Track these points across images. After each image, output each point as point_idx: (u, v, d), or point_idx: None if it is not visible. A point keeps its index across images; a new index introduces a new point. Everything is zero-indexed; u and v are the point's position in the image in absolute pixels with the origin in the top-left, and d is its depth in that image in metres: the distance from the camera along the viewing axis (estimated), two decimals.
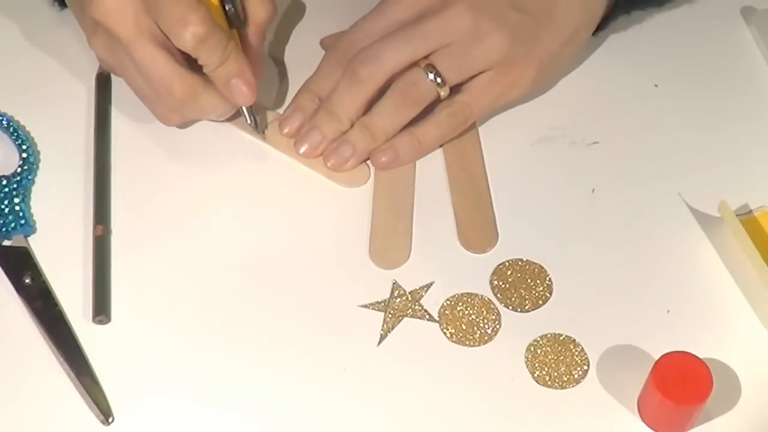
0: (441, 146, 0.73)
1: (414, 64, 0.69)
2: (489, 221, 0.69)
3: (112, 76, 0.74)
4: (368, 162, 0.72)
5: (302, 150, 0.71)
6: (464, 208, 0.70)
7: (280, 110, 0.74)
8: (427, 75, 0.68)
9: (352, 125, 0.70)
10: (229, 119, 0.72)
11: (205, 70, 0.67)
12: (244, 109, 0.70)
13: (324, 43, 0.75)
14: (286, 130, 0.72)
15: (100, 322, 0.64)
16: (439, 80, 0.68)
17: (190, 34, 0.64)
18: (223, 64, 0.66)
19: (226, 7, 0.67)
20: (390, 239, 0.69)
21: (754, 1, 0.82)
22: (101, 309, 0.64)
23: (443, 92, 0.69)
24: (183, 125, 0.72)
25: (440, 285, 0.67)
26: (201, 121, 0.73)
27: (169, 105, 0.68)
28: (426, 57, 0.69)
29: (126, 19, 0.65)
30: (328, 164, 0.71)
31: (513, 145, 0.73)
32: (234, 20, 0.68)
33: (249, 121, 0.71)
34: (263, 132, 0.72)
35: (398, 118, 0.70)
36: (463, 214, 0.70)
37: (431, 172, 0.72)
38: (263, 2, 0.69)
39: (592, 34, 0.75)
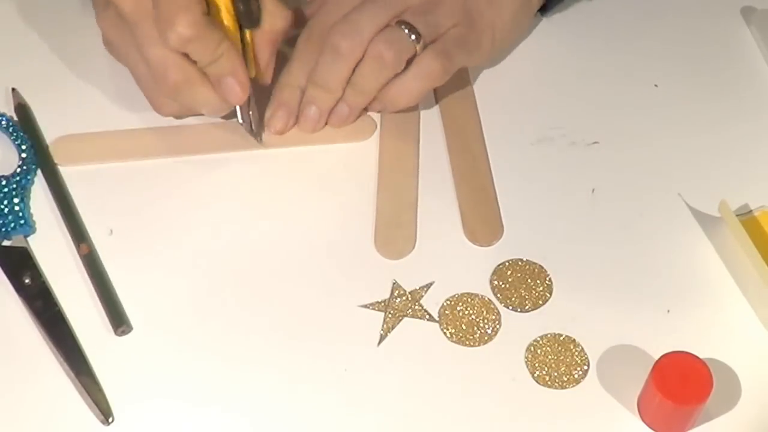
0: (445, 142, 0.73)
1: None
2: (494, 214, 0.70)
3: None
4: (373, 116, 0.73)
5: (304, 127, 0.72)
6: (469, 201, 0.70)
7: None
8: (403, 31, 0.69)
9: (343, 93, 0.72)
10: (226, 117, 0.72)
11: (198, 65, 0.67)
12: (237, 109, 0.70)
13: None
14: (273, 130, 0.72)
15: (123, 333, 0.64)
16: (413, 37, 0.69)
17: (175, 35, 0.64)
18: (215, 63, 0.66)
19: (237, 7, 0.67)
20: (395, 229, 0.69)
21: (754, 1, 0.82)
22: (120, 320, 0.64)
23: (419, 48, 0.70)
24: (178, 116, 0.72)
25: (440, 285, 0.67)
26: (200, 122, 0.73)
27: (165, 91, 0.68)
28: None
29: None
30: (329, 122, 0.72)
31: (513, 145, 0.74)
32: (244, 20, 0.68)
33: (241, 121, 0.71)
34: (259, 135, 0.72)
35: (382, 77, 0.70)
36: (468, 208, 0.70)
37: (434, 169, 0.72)
38: (279, 10, 0.69)
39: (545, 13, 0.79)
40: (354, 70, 0.70)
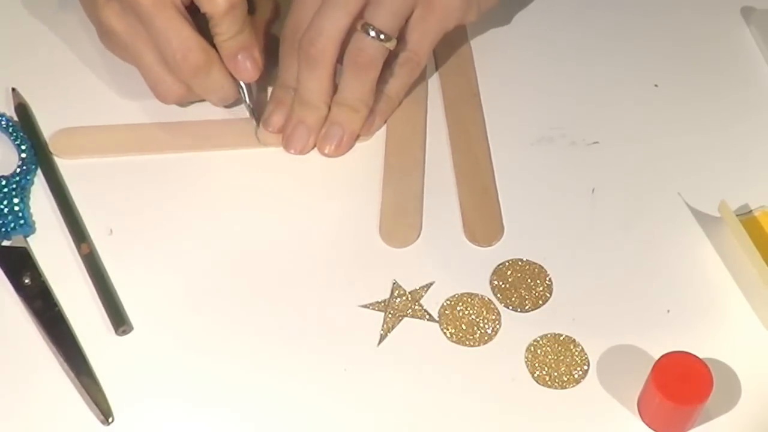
0: (449, 141, 0.73)
1: (354, 27, 0.69)
2: (495, 214, 0.70)
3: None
4: None
5: (293, 151, 0.72)
6: (470, 201, 0.70)
7: None
8: (368, 35, 0.69)
9: (329, 107, 0.71)
10: (228, 106, 0.73)
11: (216, 39, 0.68)
12: (244, 90, 0.71)
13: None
14: (270, 128, 0.73)
15: (124, 333, 0.64)
16: (382, 36, 0.69)
17: None
18: (237, 36, 0.68)
19: None
20: (400, 218, 0.69)
21: (754, 1, 0.82)
22: (120, 320, 0.64)
23: (390, 45, 0.70)
24: (181, 103, 0.72)
25: (440, 285, 0.67)
26: (200, 119, 0.73)
27: (182, 74, 0.68)
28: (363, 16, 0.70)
29: None
30: (325, 152, 0.72)
31: (513, 145, 0.74)
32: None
33: (247, 103, 0.71)
34: (258, 121, 0.72)
35: (363, 85, 0.71)
36: (468, 208, 0.70)
37: (436, 168, 0.72)
38: (270, 2, 0.71)
39: None
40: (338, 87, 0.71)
